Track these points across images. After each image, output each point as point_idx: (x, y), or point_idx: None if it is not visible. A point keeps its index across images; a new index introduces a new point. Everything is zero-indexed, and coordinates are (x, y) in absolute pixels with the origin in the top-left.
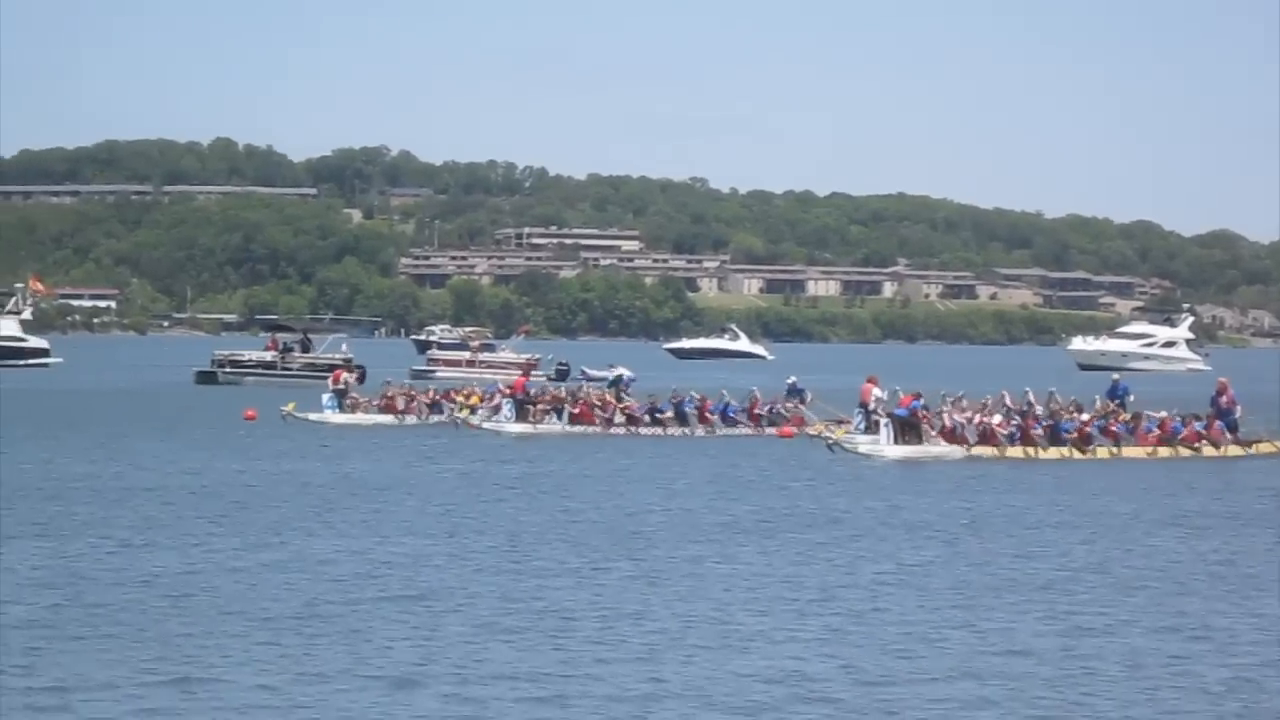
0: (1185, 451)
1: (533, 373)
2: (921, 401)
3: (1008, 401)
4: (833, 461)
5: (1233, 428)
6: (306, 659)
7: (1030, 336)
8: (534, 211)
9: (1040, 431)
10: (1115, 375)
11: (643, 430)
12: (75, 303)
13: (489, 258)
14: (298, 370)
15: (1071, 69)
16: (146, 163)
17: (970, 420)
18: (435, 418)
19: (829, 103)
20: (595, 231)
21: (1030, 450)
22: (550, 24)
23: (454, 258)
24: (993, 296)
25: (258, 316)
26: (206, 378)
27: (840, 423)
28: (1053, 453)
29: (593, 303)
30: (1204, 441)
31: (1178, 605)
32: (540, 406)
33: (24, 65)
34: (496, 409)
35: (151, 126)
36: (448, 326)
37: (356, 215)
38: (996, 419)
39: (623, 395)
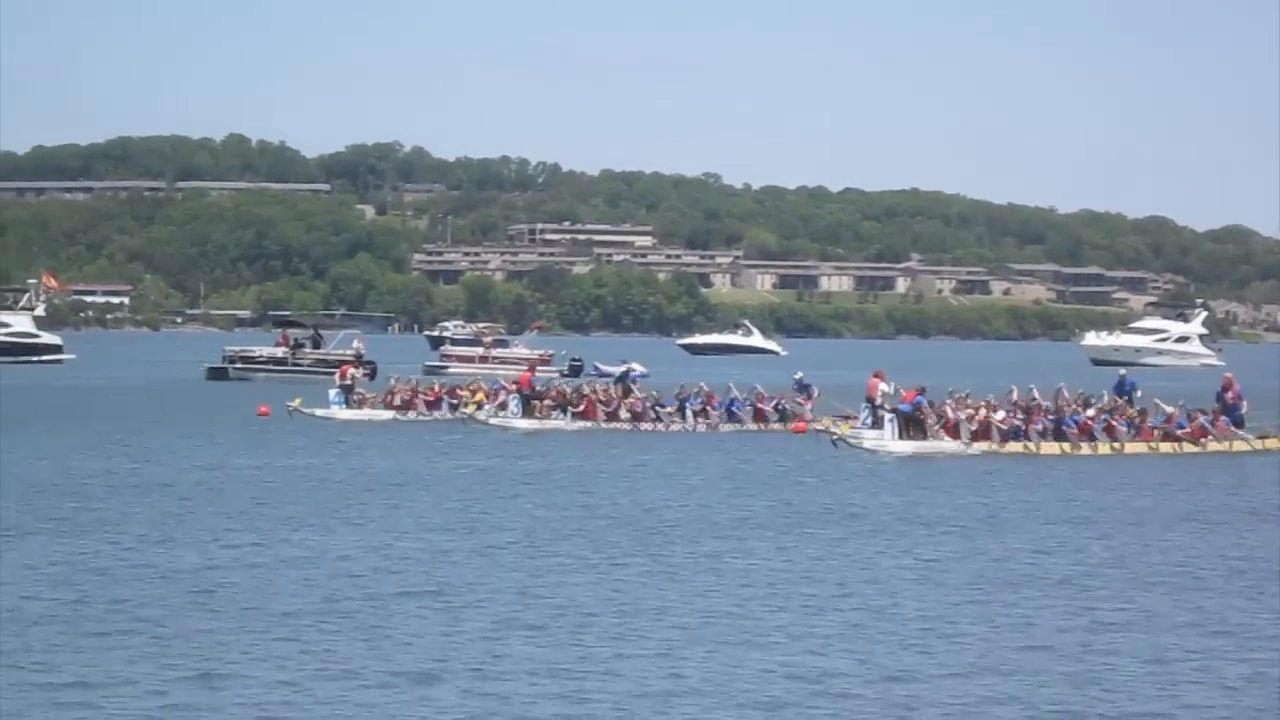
0: (1189, 447)
1: (545, 368)
2: (925, 397)
3: (1015, 398)
4: (837, 457)
5: (1238, 423)
6: (327, 655)
7: (1043, 332)
8: (547, 207)
9: (1041, 428)
10: (1122, 371)
11: (644, 425)
12: (88, 299)
13: (502, 253)
14: (309, 366)
15: (1085, 64)
16: (160, 159)
17: (974, 416)
18: (436, 413)
19: (842, 98)
20: (608, 227)
21: (1031, 445)
22: (564, 19)
23: (467, 253)
24: (1006, 292)
25: (270, 313)
26: (217, 374)
27: (847, 418)
28: (1054, 448)
29: (606, 298)
30: (1209, 437)
31: (1196, 600)
32: (546, 402)
33: (37, 62)
34: (503, 405)
35: (165, 123)
36: (461, 322)
37: (370, 211)
38: (1000, 415)
39: (629, 390)
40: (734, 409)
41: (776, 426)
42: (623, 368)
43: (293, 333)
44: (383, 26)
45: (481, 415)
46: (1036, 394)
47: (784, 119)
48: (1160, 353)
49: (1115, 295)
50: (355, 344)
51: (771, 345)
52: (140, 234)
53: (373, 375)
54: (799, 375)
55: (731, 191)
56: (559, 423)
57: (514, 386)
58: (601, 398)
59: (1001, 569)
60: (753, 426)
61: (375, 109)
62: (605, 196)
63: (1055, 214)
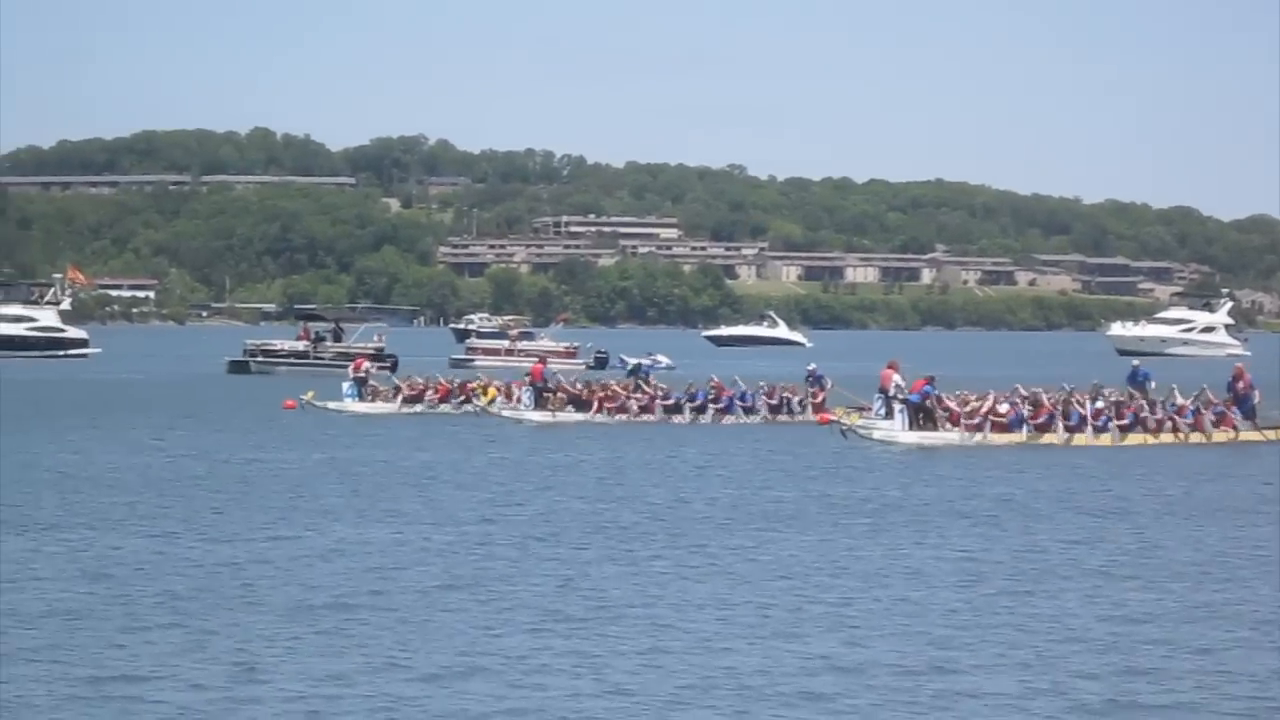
0: (1196, 437)
1: (570, 361)
2: (933, 386)
3: (1021, 391)
4: (848, 448)
5: (1250, 413)
6: (368, 648)
7: (1069, 322)
8: (572, 199)
9: (1043, 421)
10: (1135, 361)
11: (652, 418)
12: (114, 293)
13: (527, 246)
14: (330, 360)
15: (1110, 54)
16: (185, 153)
17: (979, 410)
18: (444, 406)
19: (867, 89)
20: (633, 219)
21: (1039, 437)
22: (588, 12)
23: (492, 246)
24: (1031, 283)
25: (296, 306)
26: (239, 367)
27: (861, 409)
28: (1059, 439)
29: (631, 291)
30: (1218, 427)
31: (1225, 592)
32: (560, 395)
33: (62, 56)
34: (509, 395)
35: (189, 117)
36: (486, 315)
37: (395, 204)
38: (1004, 408)
39: (640, 384)
40: (745, 400)
41: (784, 419)
42: (647, 360)
43: (314, 326)
44: (407, 19)
45: (494, 408)
46: (1042, 392)
47: (809, 110)
48: (1186, 343)
49: (1141, 285)
50: (376, 337)
51: (797, 337)
52: (165, 228)
53: (394, 368)
54: (811, 366)
55: (756, 183)
56: (573, 415)
57: (527, 379)
58: (610, 392)
59: (1031, 559)
60: (763, 419)
61: (400, 102)
62: (630, 189)
63: (1080, 204)
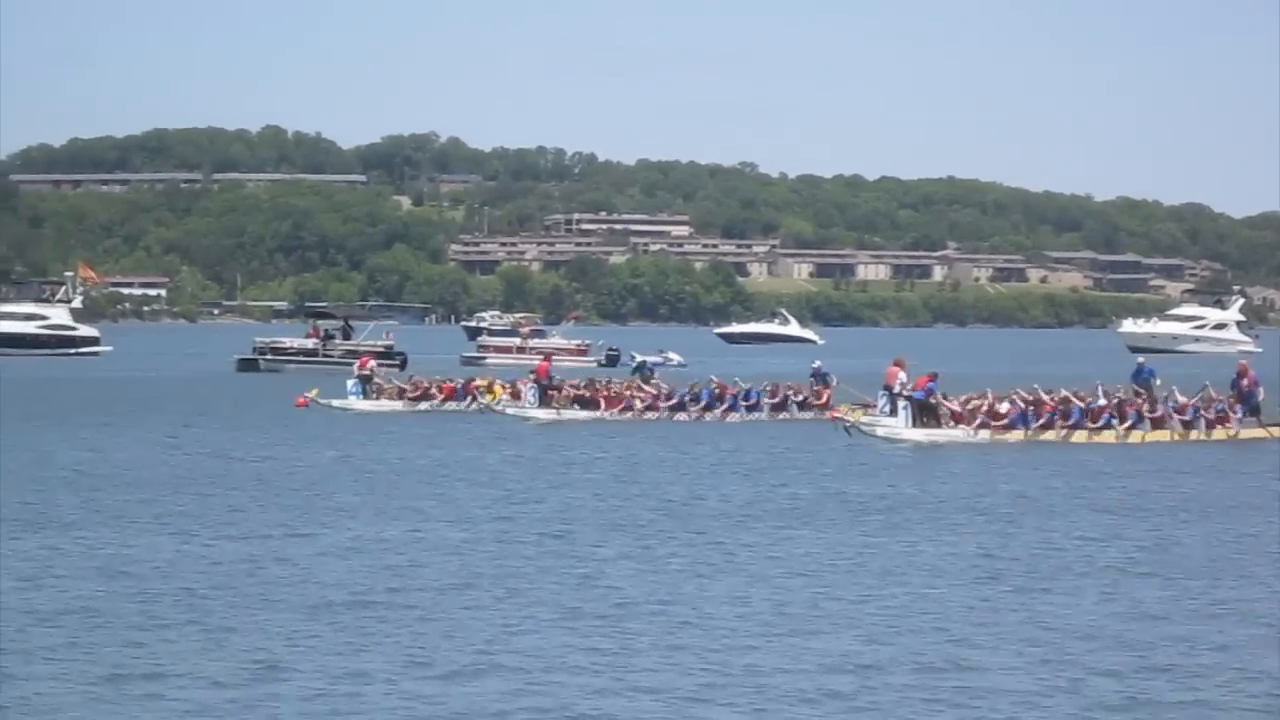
0: (1196, 434)
1: (582, 358)
2: (936, 383)
3: (1022, 393)
4: (854, 445)
5: (1254, 410)
6: (389, 644)
7: (1080, 319)
8: (583, 197)
9: (1046, 421)
10: (1140, 359)
11: (655, 416)
12: (125, 291)
13: (538, 244)
14: (339, 357)
15: (1122, 51)
16: (196, 151)
17: (980, 408)
18: (450, 404)
19: (878, 87)
20: (645, 217)
21: (1040, 434)
22: (600, 9)
23: (503, 244)
24: (1043, 280)
25: (307, 304)
26: (248, 365)
27: (865, 406)
28: (1054, 436)
29: (642, 288)
30: (1219, 426)
31: (1241, 589)
32: (564, 393)
33: (73, 54)
34: (518, 394)
35: (200, 114)
36: (498, 313)
37: (406, 202)
38: (1004, 406)
39: (644, 383)
40: (749, 398)
41: (784, 416)
42: (657, 358)
43: (323, 324)
44: (418, 17)
45: (498, 405)
46: (1041, 391)
47: (820, 108)
48: (1198, 340)
49: (1152, 282)
50: (385, 334)
51: (808, 334)
52: (177, 226)
53: (403, 366)
54: (816, 364)
55: (768, 180)
56: (577, 413)
57: (532, 376)
58: (614, 390)
59: (1048, 556)
60: (764, 416)
61: (411, 100)
62: (642, 186)
63: (1092, 201)
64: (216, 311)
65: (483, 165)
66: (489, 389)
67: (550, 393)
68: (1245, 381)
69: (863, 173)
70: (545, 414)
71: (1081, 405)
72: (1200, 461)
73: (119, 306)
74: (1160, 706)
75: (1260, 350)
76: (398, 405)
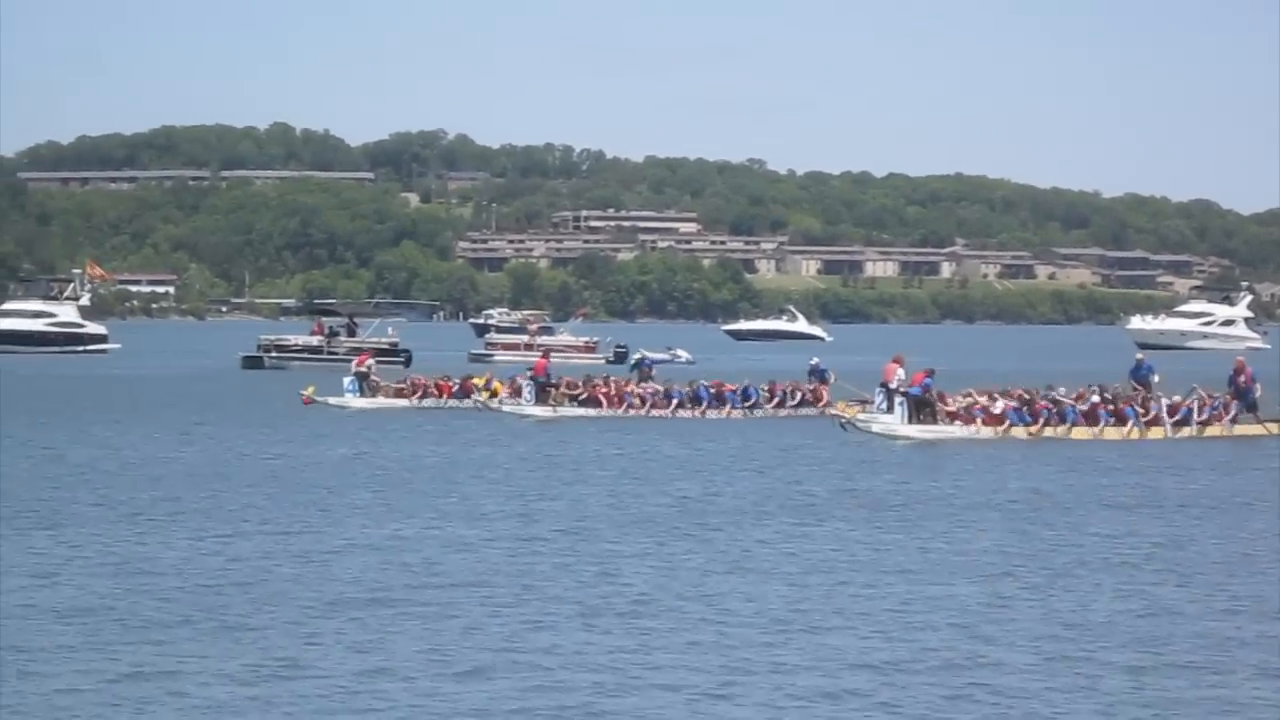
0: (1187, 432)
1: (590, 355)
2: (933, 380)
3: (1020, 392)
4: (846, 441)
5: (1251, 407)
6: (407, 641)
7: (1089, 316)
8: (591, 194)
9: (1044, 419)
10: (1139, 355)
11: (653, 413)
12: (133, 288)
13: (546, 241)
14: (344, 354)
15: (1128, 47)
16: (204, 148)
17: (975, 405)
18: (450, 402)
19: (886, 83)
20: (653, 214)
21: (1032, 431)
22: (607, 6)
23: (511, 241)
24: (1051, 276)
25: (314, 301)
26: (253, 363)
27: (862, 403)
28: (1051, 432)
29: (650, 285)
30: (1211, 424)
31: (1254, 587)
32: (561, 390)
33: (81, 51)
34: (517, 391)
35: (208, 112)
36: (506, 310)
37: (414, 199)
38: (999, 405)
39: (642, 380)
40: (749, 396)
41: (784, 413)
42: (664, 355)
43: (327, 321)
44: (426, 14)
45: (495, 403)
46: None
47: (828, 104)
48: (1206, 336)
49: (1160, 279)
50: (390, 331)
51: (816, 331)
52: (185, 223)
53: (408, 363)
54: (814, 361)
55: (775, 177)
56: (574, 411)
57: (529, 374)
58: (613, 387)
59: (1062, 552)
60: (770, 412)
61: (419, 97)
62: (649, 183)
63: (1100, 198)
64: (225, 309)
65: (491, 162)
66: (486, 387)
67: (548, 390)
68: (1242, 378)
69: (871, 169)
70: (543, 411)
71: (1081, 408)
72: (1207, 458)
73: (127, 304)
74: (1179, 703)
75: (1268, 346)
76: (395, 403)
